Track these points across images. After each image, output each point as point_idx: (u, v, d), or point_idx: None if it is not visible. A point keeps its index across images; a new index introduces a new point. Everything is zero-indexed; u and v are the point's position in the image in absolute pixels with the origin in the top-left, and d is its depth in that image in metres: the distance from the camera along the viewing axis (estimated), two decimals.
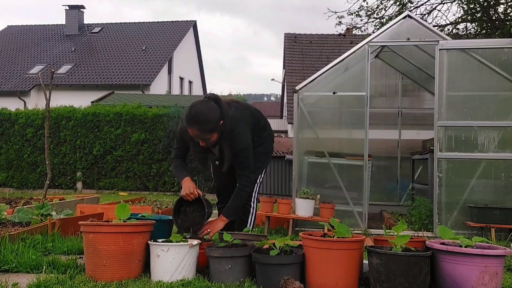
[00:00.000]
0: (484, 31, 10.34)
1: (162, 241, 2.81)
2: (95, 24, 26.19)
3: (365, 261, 2.79)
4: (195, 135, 3.05)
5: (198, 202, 3.22)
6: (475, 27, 10.85)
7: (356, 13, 11.28)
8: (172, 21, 25.82)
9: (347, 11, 11.55)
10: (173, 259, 2.69)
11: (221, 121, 3.07)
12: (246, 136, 3.22)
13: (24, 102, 19.65)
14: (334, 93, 5.60)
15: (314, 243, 2.66)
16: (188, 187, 3.19)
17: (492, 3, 9.89)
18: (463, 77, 5.27)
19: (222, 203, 3.63)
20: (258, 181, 3.52)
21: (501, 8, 10.25)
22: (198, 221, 3.17)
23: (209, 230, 3.14)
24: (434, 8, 11.02)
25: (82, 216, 4.37)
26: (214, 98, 3.12)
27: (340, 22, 11.50)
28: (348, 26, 11.89)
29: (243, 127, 3.21)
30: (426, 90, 7.61)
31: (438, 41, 5.26)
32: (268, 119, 3.77)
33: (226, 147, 3.15)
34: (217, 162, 3.46)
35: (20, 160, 11.99)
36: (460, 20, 10.82)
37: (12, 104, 15.90)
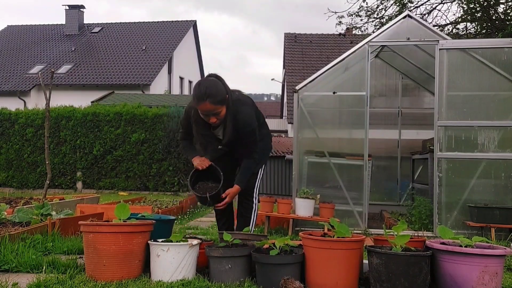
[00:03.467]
0: (484, 31, 10.34)
1: (162, 241, 2.81)
2: (95, 24, 26.19)
3: (365, 261, 2.79)
4: (207, 109, 3.09)
5: (211, 174, 3.31)
6: (475, 27, 10.85)
7: (356, 13, 11.29)
8: (172, 21, 25.81)
9: (347, 11, 11.56)
10: (173, 259, 2.69)
11: (227, 95, 3.15)
12: (252, 118, 3.30)
13: (24, 102, 19.65)
14: (334, 93, 5.60)
15: (314, 243, 2.66)
16: (199, 159, 3.32)
17: (492, 3, 9.89)
18: (463, 77, 5.27)
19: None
20: (258, 176, 3.55)
21: (501, 8, 10.25)
22: (214, 186, 3.27)
23: (227, 200, 3.25)
24: (434, 8, 11.02)
25: (82, 216, 4.37)
26: (215, 76, 3.24)
27: (340, 22, 11.51)
28: (348, 26, 11.90)
29: (248, 109, 3.30)
30: (426, 90, 7.61)
31: (438, 41, 5.26)
32: (268, 119, 3.81)
33: (230, 124, 3.20)
34: (219, 147, 3.46)
35: (20, 160, 11.99)
36: (460, 20, 10.82)
37: (12, 104, 15.89)
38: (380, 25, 10.83)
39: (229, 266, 2.69)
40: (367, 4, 11.14)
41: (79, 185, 11.83)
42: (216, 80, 3.17)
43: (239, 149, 3.36)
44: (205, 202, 3.25)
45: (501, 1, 10.01)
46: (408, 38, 5.45)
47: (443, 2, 10.87)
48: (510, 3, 9.99)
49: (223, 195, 3.26)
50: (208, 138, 3.36)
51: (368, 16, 11.26)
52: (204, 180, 3.33)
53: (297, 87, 5.57)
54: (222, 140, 3.31)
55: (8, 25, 26.51)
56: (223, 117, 3.17)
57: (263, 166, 3.63)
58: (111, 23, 26.07)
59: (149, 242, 2.80)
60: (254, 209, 3.54)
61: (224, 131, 3.26)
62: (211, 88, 3.07)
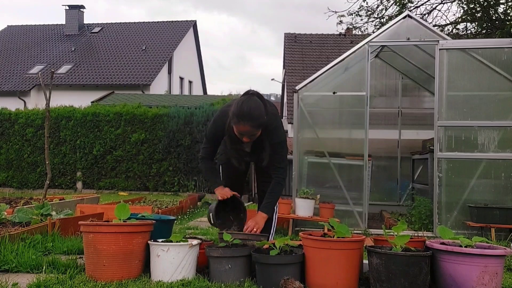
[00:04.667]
0: (484, 31, 10.34)
1: (162, 241, 2.81)
2: (95, 24, 26.19)
3: (365, 261, 2.78)
4: (246, 131, 3.03)
5: (233, 206, 3.25)
6: (475, 27, 10.85)
7: (356, 13, 11.29)
8: (172, 21, 25.81)
9: (347, 11, 11.57)
10: (173, 259, 2.69)
11: (265, 117, 3.09)
12: (282, 130, 3.27)
13: (24, 102, 19.65)
14: (334, 93, 5.60)
15: (314, 243, 2.66)
16: (222, 190, 3.23)
17: (492, 3, 9.89)
18: (463, 77, 5.28)
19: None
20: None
21: (501, 8, 10.25)
22: (239, 217, 3.23)
23: (255, 229, 3.10)
24: (434, 8, 11.02)
25: (82, 216, 4.37)
26: (257, 95, 3.14)
27: (340, 21, 11.50)
28: (348, 26, 11.90)
29: (280, 122, 3.27)
30: (426, 90, 7.61)
31: (438, 41, 5.26)
32: None
33: (266, 142, 3.16)
34: (247, 158, 3.41)
35: (20, 160, 11.98)
36: (460, 20, 10.82)
37: (12, 104, 15.89)
38: (380, 25, 10.83)
39: (229, 266, 2.69)
40: (367, 3, 11.15)
41: (79, 185, 11.83)
42: (259, 102, 3.06)
43: (264, 158, 3.24)
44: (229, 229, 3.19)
45: (501, 1, 10.01)
46: (408, 38, 5.45)
47: (443, 2, 10.87)
48: (510, 3, 9.99)
49: (251, 226, 3.12)
50: (240, 153, 3.29)
51: (368, 16, 11.27)
52: (221, 206, 3.24)
53: (297, 87, 5.57)
54: (263, 162, 3.22)
55: (8, 25, 26.51)
56: (257, 136, 3.12)
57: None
58: (111, 23, 26.07)
59: (149, 242, 2.80)
60: (275, 211, 3.49)
61: (256, 150, 3.21)
62: (255, 110, 2.99)
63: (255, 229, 3.08)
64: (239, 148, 3.23)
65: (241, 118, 2.97)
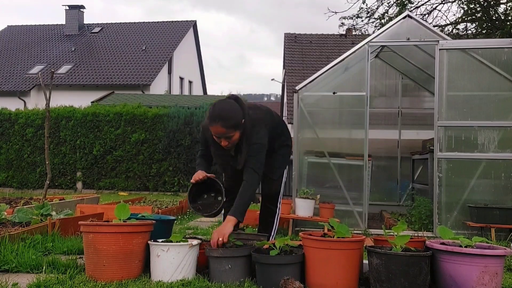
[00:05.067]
0: (484, 31, 10.34)
1: (162, 241, 2.81)
2: (95, 24, 26.19)
3: (365, 261, 2.78)
4: (219, 133, 3.04)
5: (213, 187, 3.25)
6: (475, 27, 10.86)
7: (357, 15, 11.31)
8: (172, 21, 25.82)
9: (348, 15, 11.58)
10: (173, 259, 2.69)
11: (243, 120, 3.08)
12: (262, 135, 3.19)
13: (24, 102, 19.65)
14: (334, 93, 5.60)
15: (314, 243, 2.66)
16: (196, 174, 3.22)
17: (492, 3, 9.89)
18: (463, 77, 5.27)
19: (229, 202, 3.55)
20: (283, 181, 3.51)
21: (501, 8, 10.26)
22: (211, 202, 3.22)
23: (220, 238, 2.85)
24: (434, 8, 11.03)
25: (82, 216, 4.37)
26: (235, 98, 3.16)
27: (342, 23, 11.54)
28: (349, 27, 11.92)
29: (262, 127, 3.21)
30: (426, 90, 7.61)
31: (438, 41, 5.26)
32: None
33: (244, 145, 3.14)
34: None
35: (20, 160, 11.99)
36: (460, 20, 10.82)
37: (12, 104, 15.89)
38: (380, 25, 10.84)
39: (229, 266, 2.69)
40: (367, 5, 11.16)
41: (79, 185, 11.83)
42: (233, 103, 3.08)
43: (239, 162, 3.20)
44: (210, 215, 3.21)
45: (501, 1, 10.01)
46: (408, 39, 5.45)
47: (443, 2, 10.88)
48: (510, 3, 9.99)
49: (216, 239, 2.86)
50: (224, 158, 3.30)
51: (369, 17, 11.28)
52: (206, 192, 3.27)
53: (297, 87, 5.57)
54: (238, 164, 3.20)
55: (8, 25, 26.51)
56: (236, 141, 3.10)
57: (286, 168, 3.56)
58: (111, 23, 26.08)
59: (149, 242, 2.80)
60: (277, 213, 3.49)
61: (238, 151, 3.17)
62: (224, 111, 3.01)
63: (220, 239, 2.83)
64: (222, 153, 3.24)
65: (212, 119, 3.01)
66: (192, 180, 3.21)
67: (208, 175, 3.21)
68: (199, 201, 3.28)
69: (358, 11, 11.24)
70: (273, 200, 3.49)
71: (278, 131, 3.48)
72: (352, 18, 11.31)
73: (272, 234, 3.43)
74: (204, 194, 3.30)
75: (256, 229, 3.66)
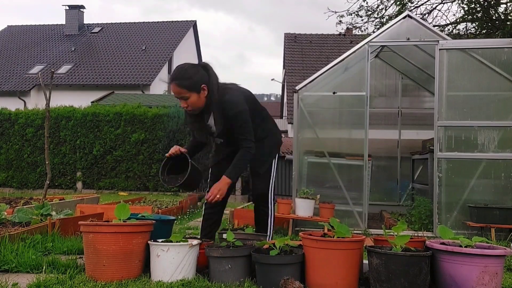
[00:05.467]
0: (484, 31, 10.34)
1: (162, 241, 2.81)
2: (95, 24, 26.19)
3: (365, 261, 2.78)
4: (175, 92, 3.07)
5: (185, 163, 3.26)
6: (475, 27, 10.85)
7: (356, 13, 11.29)
8: (172, 21, 25.82)
9: (347, 11, 11.55)
10: (173, 259, 2.69)
11: (203, 85, 3.05)
12: (239, 102, 3.11)
13: (24, 102, 19.65)
14: (334, 93, 5.60)
15: (314, 243, 2.66)
16: (171, 148, 3.30)
17: (492, 3, 9.89)
18: (463, 77, 5.27)
19: (212, 209, 3.49)
20: (271, 178, 3.42)
21: (501, 8, 10.25)
22: (183, 174, 3.23)
23: (217, 195, 3.07)
24: (434, 8, 11.02)
25: (82, 216, 4.37)
26: (203, 65, 3.14)
27: (340, 21, 11.50)
28: (348, 26, 11.90)
29: (236, 95, 3.14)
30: (426, 90, 7.61)
31: (438, 41, 5.26)
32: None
33: (218, 114, 3.10)
34: (220, 141, 3.37)
35: (20, 160, 11.99)
36: (460, 20, 10.82)
37: (12, 104, 15.90)
38: (380, 25, 10.83)
39: (229, 266, 2.69)
40: (367, 3, 11.15)
41: (79, 185, 11.83)
42: (193, 65, 3.09)
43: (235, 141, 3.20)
44: (180, 186, 3.27)
45: (501, 1, 10.01)
46: (408, 38, 5.45)
47: (443, 2, 10.87)
48: (510, 3, 9.99)
49: (213, 193, 3.07)
50: (202, 131, 3.30)
51: (368, 16, 11.27)
52: (176, 165, 3.30)
53: (297, 87, 5.57)
54: (214, 131, 3.20)
55: (8, 25, 26.51)
56: (197, 106, 3.09)
57: (275, 165, 3.45)
58: (111, 23, 26.08)
59: (149, 242, 2.80)
60: (270, 214, 3.42)
61: (215, 122, 3.16)
62: (181, 71, 3.04)
63: (218, 196, 3.06)
64: (201, 126, 3.26)
65: (170, 78, 3.07)
66: (166, 154, 3.28)
67: (182, 150, 3.26)
68: (172, 175, 3.30)
69: (358, 8, 11.22)
70: (264, 200, 3.41)
71: (262, 116, 3.39)
72: (352, 15, 11.28)
73: (269, 234, 3.40)
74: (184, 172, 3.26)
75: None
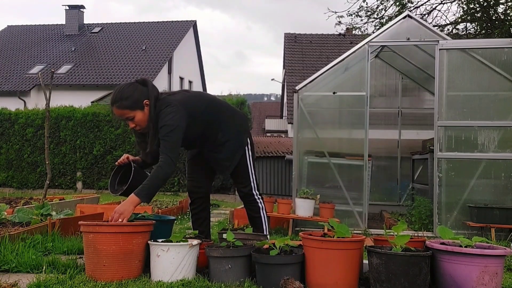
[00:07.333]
0: (484, 31, 10.33)
1: (162, 241, 2.81)
2: (95, 24, 26.19)
3: (365, 261, 2.79)
4: (118, 114, 3.00)
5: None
6: (475, 27, 10.85)
7: (356, 13, 11.28)
8: (172, 21, 25.82)
9: (347, 11, 11.54)
10: (173, 259, 2.69)
11: (145, 100, 2.97)
12: (174, 117, 2.94)
13: (24, 102, 19.64)
14: (334, 93, 5.60)
15: (314, 243, 2.66)
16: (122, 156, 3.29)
17: (492, 3, 9.89)
18: (463, 77, 5.28)
19: (194, 204, 3.49)
20: (249, 166, 3.33)
21: (501, 8, 10.25)
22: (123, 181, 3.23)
23: (120, 220, 2.79)
24: (434, 8, 11.02)
25: (82, 216, 4.37)
26: (141, 81, 3.07)
27: (339, 22, 11.49)
28: (348, 26, 11.89)
29: (174, 108, 2.97)
30: (426, 90, 7.61)
31: (438, 41, 5.27)
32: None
33: (152, 125, 2.99)
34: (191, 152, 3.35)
35: (20, 160, 11.99)
36: (460, 20, 10.82)
37: (12, 104, 15.89)
38: (380, 25, 10.82)
39: (229, 266, 2.69)
40: (367, 4, 11.14)
41: (79, 185, 11.83)
42: (129, 84, 3.01)
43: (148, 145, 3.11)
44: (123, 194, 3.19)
45: (501, 1, 10.01)
46: (408, 38, 5.45)
47: (443, 2, 10.87)
48: (510, 3, 9.98)
49: (116, 217, 2.80)
50: (142, 139, 3.22)
51: (368, 16, 11.26)
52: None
53: (297, 87, 5.57)
54: (148, 147, 3.10)
55: (8, 25, 26.51)
56: (145, 123, 2.99)
57: (250, 163, 3.34)
58: (111, 23, 26.08)
59: (149, 242, 2.80)
60: (260, 206, 3.40)
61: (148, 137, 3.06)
62: (117, 93, 2.96)
63: (120, 220, 2.77)
64: (139, 135, 3.19)
65: (110, 103, 3.01)
66: (116, 163, 3.29)
67: (133, 158, 3.26)
68: (123, 184, 3.24)
69: (358, 9, 11.21)
70: (249, 201, 3.39)
71: (223, 119, 3.24)
72: (351, 15, 11.27)
73: (265, 230, 3.39)
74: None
75: None
